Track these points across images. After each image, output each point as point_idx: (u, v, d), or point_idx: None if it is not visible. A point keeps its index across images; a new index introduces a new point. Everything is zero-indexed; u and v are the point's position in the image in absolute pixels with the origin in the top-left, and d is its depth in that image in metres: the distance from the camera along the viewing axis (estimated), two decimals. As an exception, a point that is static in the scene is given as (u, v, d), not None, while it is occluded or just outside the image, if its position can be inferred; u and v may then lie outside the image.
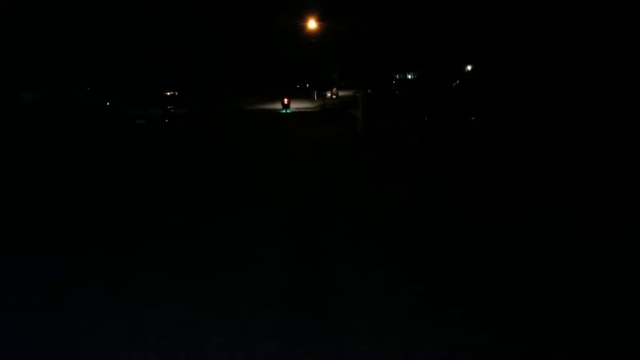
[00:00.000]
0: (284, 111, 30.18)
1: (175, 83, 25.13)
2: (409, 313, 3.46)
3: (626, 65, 7.86)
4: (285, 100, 30.52)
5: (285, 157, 11.56)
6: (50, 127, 16.41)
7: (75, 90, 24.34)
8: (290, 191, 7.62)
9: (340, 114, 20.93)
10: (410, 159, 10.44)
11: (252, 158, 11.44)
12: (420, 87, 29.33)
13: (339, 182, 8.31)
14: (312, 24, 36.94)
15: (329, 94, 44.28)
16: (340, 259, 4.56)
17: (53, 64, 26.45)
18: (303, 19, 36.86)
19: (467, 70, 33.71)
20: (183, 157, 11.87)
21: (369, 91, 30.52)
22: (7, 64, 24.09)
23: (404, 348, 3.00)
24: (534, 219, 5.66)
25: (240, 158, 11.53)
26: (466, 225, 5.55)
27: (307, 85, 50.19)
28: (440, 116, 11.23)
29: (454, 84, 16.32)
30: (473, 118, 9.22)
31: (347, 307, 3.56)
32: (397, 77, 44.36)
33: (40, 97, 23.14)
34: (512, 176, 7.81)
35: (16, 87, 22.89)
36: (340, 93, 45.89)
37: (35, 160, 10.88)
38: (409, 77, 46.03)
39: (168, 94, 19.22)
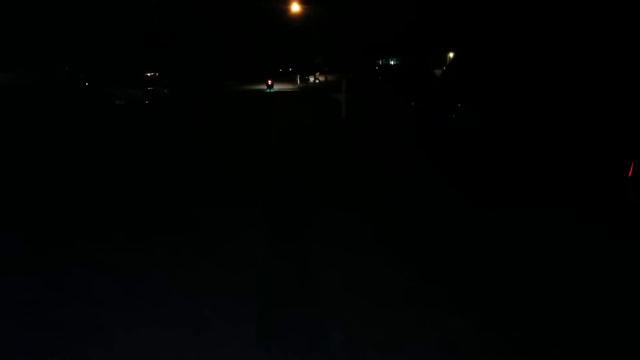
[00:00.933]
0: (268, 90, 33.39)
1: (156, 63, 24.60)
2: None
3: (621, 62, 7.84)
4: (269, 82, 34.30)
5: (269, 141, 11.47)
6: (26, 107, 15.94)
7: (54, 69, 23.63)
8: (278, 177, 7.58)
9: (323, 97, 20.81)
10: (396, 145, 10.47)
11: (235, 140, 11.33)
12: (403, 72, 29.31)
13: (326, 167, 8.31)
14: (295, 7, 36.58)
15: (311, 79, 43.98)
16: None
17: (32, 43, 25.61)
18: (286, 2, 36.46)
19: (452, 57, 33.80)
20: (162, 138, 11.67)
21: (351, 76, 30.42)
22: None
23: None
24: (528, 217, 5.43)
25: (223, 140, 11.39)
26: (455, 215, 5.54)
27: (290, 69, 49.73)
28: (426, 102, 11.25)
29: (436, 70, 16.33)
30: (459, 105, 9.23)
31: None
32: (380, 62, 44.35)
33: (17, 76, 22.42)
34: (498, 170, 7.71)
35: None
36: (323, 78, 45.62)
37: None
38: (392, 62, 46.08)
39: (149, 74, 18.79)
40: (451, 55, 37.19)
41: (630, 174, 4.59)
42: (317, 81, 43.66)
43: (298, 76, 43.18)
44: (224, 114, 18.91)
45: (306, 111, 18.95)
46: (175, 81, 22.69)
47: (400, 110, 16.58)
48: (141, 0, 32.74)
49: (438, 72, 31.31)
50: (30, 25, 25.81)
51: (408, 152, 9.66)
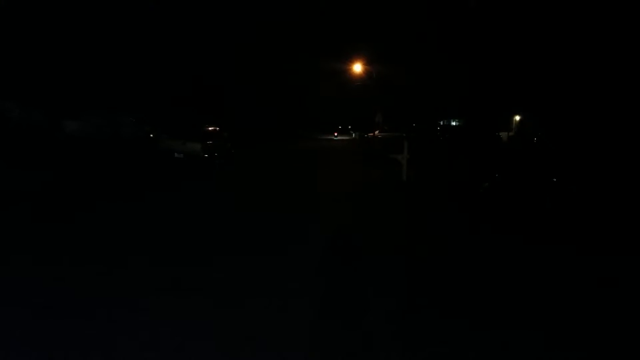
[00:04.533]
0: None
1: (217, 118, 25.03)
2: None
3: None
4: (335, 133, 41.69)
5: (328, 210, 10.67)
6: (88, 158, 16.20)
7: (119, 120, 24.53)
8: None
9: (381, 157, 19.93)
10: (477, 216, 9.31)
11: (289, 196, 10.63)
12: (471, 134, 28.17)
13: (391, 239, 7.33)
14: (357, 67, 36.91)
15: (370, 135, 43.89)
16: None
17: (101, 92, 26.98)
18: (349, 62, 36.94)
19: (518, 120, 32.46)
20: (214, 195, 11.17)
21: (413, 135, 29.69)
22: (54, 90, 24.64)
23: None
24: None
25: (278, 195, 10.73)
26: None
27: (349, 127, 50.02)
28: (514, 172, 10.12)
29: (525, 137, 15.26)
30: (555, 180, 8.16)
31: None
32: (442, 122, 43.51)
33: (86, 125, 23.40)
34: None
35: (60, 115, 23.19)
36: (380, 135, 45.33)
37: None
38: (453, 123, 45.13)
39: (209, 129, 18.84)
40: (517, 118, 35.88)
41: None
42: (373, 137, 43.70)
43: (357, 133, 43.45)
44: (276, 173, 18.54)
45: (362, 171, 18.17)
46: (235, 136, 22.81)
47: (465, 174, 15.48)
48: (207, 55, 34.16)
49: (504, 134, 30.13)
50: (100, 75, 27.22)
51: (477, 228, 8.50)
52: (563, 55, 17.03)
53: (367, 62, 35.77)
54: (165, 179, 13.51)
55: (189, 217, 8.28)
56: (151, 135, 23.82)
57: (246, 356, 3.41)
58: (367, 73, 37.34)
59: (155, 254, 5.86)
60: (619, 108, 10.62)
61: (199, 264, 5.52)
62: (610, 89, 11.80)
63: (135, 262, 5.47)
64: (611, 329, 4.10)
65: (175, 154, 16.44)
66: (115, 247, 6.06)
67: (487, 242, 7.30)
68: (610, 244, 7.00)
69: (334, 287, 4.96)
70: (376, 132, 38.19)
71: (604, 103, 11.26)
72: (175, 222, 7.81)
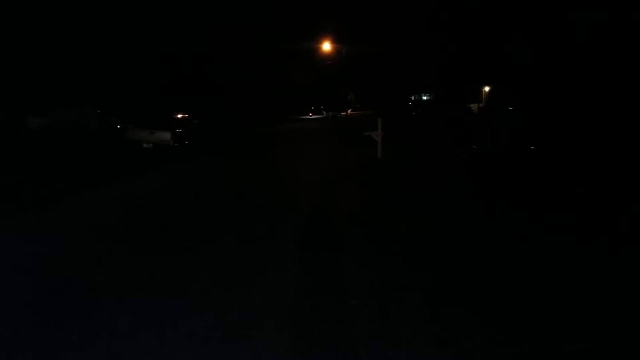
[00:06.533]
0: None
1: (186, 105, 24.44)
2: None
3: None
4: (310, 114, 36.78)
5: (301, 187, 10.52)
6: (53, 153, 15.60)
7: (85, 112, 23.76)
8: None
9: (355, 135, 19.80)
10: (463, 187, 9.32)
11: (262, 177, 10.45)
12: (441, 107, 28.29)
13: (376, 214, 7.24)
14: (326, 46, 36.47)
15: (342, 113, 43.77)
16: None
17: (63, 85, 25.98)
18: (319, 41, 36.48)
19: (489, 91, 32.75)
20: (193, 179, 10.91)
21: (385, 112, 29.58)
22: (15, 86, 23.64)
23: None
24: None
25: (246, 176, 10.54)
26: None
27: (322, 106, 49.71)
28: (491, 140, 10.21)
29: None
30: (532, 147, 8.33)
31: None
32: (413, 98, 43.52)
33: (47, 121, 22.59)
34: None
35: (24, 111, 22.36)
36: (352, 113, 45.29)
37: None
38: (425, 97, 45.17)
39: (178, 116, 18.40)
40: (486, 89, 36.14)
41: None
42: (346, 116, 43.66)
43: (330, 113, 43.24)
44: (249, 152, 18.26)
45: (338, 151, 18.04)
46: (206, 122, 22.39)
47: (439, 148, 15.53)
48: (174, 39, 33.16)
49: (474, 106, 30.30)
50: (63, 68, 26.19)
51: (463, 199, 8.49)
52: (532, 23, 17.05)
53: (336, 40, 35.41)
54: (125, 169, 13.06)
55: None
56: (118, 127, 23.19)
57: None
58: (336, 51, 37.00)
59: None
60: (585, 75, 10.71)
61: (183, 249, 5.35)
62: (578, 55, 11.88)
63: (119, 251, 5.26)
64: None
65: (144, 145, 16.02)
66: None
67: (475, 209, 7.34)
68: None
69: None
70: (349, 110, 38.04)
71: (575, 72, 11.35)
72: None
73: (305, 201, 8.39)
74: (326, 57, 39.91)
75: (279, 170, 13.10)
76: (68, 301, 4.11)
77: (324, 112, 57.38)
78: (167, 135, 15.93)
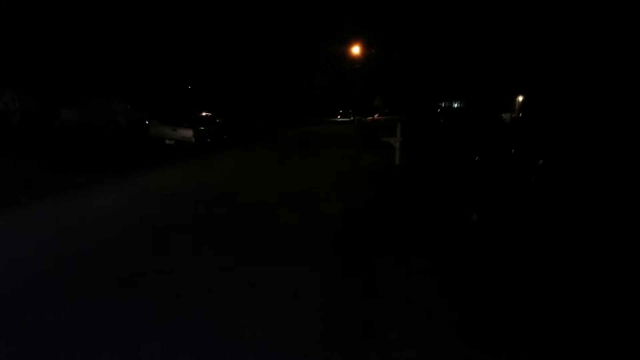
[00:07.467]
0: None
1: (210, 104, 24.83)
2: None
3: None
4: (338, 117, 37.34)
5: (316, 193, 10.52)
6: (79, 144, 16.09)
7: (115, 107, 24.42)
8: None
9: (377, 140, 19.62)
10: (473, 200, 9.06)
11: (277, 183, 10.49)
12: (468, 116, 27.70)
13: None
14: (355, 50, 36.40)
15: (369, 119, 43.46)
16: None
17: (96, 80, 26.80)
18: (347, 44, 36.51)
19: (522, 101, 32.02)
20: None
21: (405, 118, 29.18)
22: (49, 78, 24.51)
23: None
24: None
25: (264, 184, 10.59)
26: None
27: (350, 110, 49.68)
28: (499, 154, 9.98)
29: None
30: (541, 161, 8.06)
31: None
32: (443, 104, 42.78)
33: (82, 113, 23.32)
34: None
35: (58, 103, 23.16)
36: (381, 118, 44.91)
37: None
38: (455, 105, 44.31)
39: (202, 114, 18.71)
40: (520, 99, 35.31)
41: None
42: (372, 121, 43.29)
43: (357, 117, 43.11)
44: (269, 153, 18.34)
45: (358, 155, 17.95)
46: (229, 122, 22.68)
47: (463, 157, 15.22)
48: (204, 39, 33.74)
49: (506, 115, 29.56)
50: (97, 63, 27.00)
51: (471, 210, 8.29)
52: (564, 35, 16.65)
53: (367, 45, 35.35)
54: (145, 164, 13.27)
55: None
56: (147, 122, 23.74)
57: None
58: (366, 54, 36.92)
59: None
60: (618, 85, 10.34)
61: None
62: (611, 67, 11.49)
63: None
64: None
65: (167, 141, 16.34)
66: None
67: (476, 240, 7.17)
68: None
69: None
70: (376, 115, 37.76)
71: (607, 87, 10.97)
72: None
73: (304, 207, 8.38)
74: (355, 60, 39.87)
75: (288, 176, 13.02)
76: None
77: (351, 115, 57.79)
78: (189, 133, 16.20)
